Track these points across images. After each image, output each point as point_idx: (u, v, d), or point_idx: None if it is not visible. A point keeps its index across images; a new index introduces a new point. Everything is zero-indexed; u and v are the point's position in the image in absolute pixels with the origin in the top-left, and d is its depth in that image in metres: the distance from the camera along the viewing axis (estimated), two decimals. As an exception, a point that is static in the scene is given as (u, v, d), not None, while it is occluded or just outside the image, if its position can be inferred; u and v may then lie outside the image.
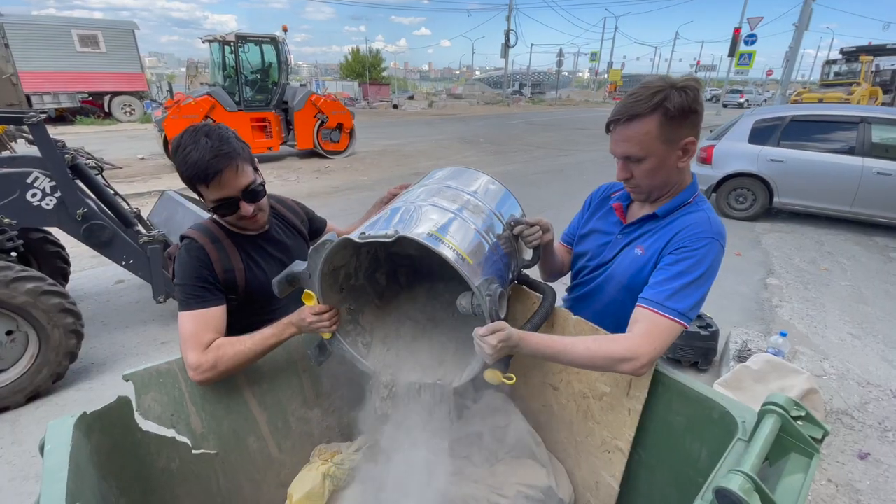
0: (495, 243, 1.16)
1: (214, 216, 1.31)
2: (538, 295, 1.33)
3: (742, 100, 32.48)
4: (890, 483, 2.20)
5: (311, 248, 1.12)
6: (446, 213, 1.08)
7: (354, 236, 1.01)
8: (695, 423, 1.07)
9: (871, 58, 16.71)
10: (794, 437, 0.84)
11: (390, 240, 0.97)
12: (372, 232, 1.00)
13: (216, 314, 1.22)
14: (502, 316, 1.04)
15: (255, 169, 1.28)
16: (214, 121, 8.89)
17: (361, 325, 1.32)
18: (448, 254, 0.96)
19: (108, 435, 1.06)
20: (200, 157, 1.13)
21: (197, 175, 1.16)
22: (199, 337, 1.16)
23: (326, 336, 1.22)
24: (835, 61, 18.36)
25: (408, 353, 1.30)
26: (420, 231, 0.99)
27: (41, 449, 0.93)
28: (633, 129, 1.08)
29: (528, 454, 1.32)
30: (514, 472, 1.29)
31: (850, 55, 17.45)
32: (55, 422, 0.97)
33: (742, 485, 0.68)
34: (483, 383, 1.15)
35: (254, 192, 1.25)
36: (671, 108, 1.03)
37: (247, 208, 1.24)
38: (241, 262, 1.29)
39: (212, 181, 1.16)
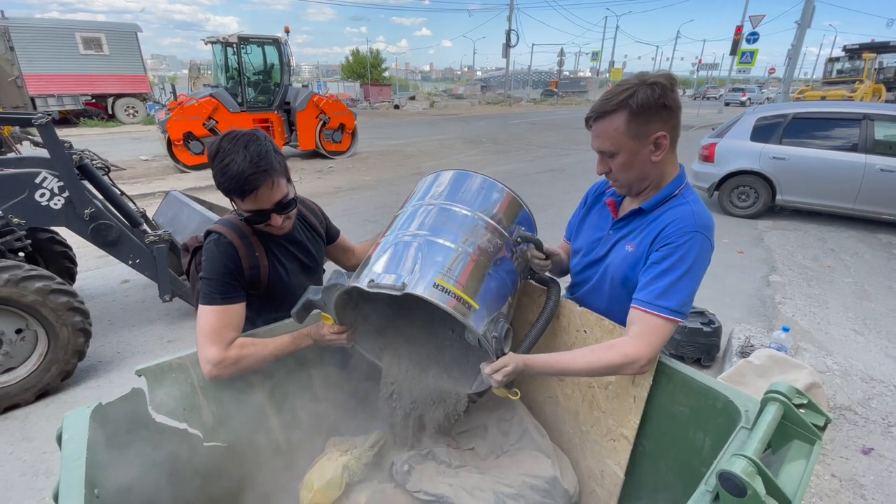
0: (502, 259, 1.19)
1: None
2: (542, 288, 1.36)
3: (744, 98, 32.40)
4: (894, 477, 2.20)
5: (324, 286, 1.18)
6: (449, 250, 1.11)
7: (363, 285, 1.07)
8: (698, 414, 1.09)
9: (875, 55, 16.70)
10: (796, 425, 0.85)
11: (398, 293, 1.02)
12: (380, 281, 1.05)
13: (238, 311, 1.25)
14: (506, 351, 1.09)
15: (288, 180, 1.30)
16: (218, 122, 8.97)
17: (378, 330, 1.36)
18: (454, 308, 1.01)
19: (122, 426, 1.08)
20: (239, 172, 1.15)
21: (233, 189, 1.18)
22: (221, 333, 1.19)
23: (347, 346, 1.29)
24: (838, 59, 18.33)
25: (422, 357, 1.33)
26: (426, 281, 1.03)
27: (58, 439, 0.95)
28: (604, 125, 1.12)
29: (532, 446, 1.34)
30: (518, 463, 1.31)
31: (853, 52, 17.43)
32: (72, 412, 0.99)
33: (745, 468, 0.69)
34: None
35: (285, 206, 1.28)
36: (634, 105, 1.07)
37: (277, 220, 1.27)
38: (267, 260, 1.32)
39: (247, 196, 1.20)
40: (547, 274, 1.40)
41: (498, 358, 1.08)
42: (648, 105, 1.06)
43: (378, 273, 1.08)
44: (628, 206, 1.28)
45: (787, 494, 0.71)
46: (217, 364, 1.16)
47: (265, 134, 1.24)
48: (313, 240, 1.50)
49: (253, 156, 1.16)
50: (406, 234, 1.17)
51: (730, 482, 0.70)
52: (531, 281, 1.42)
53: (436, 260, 1.08)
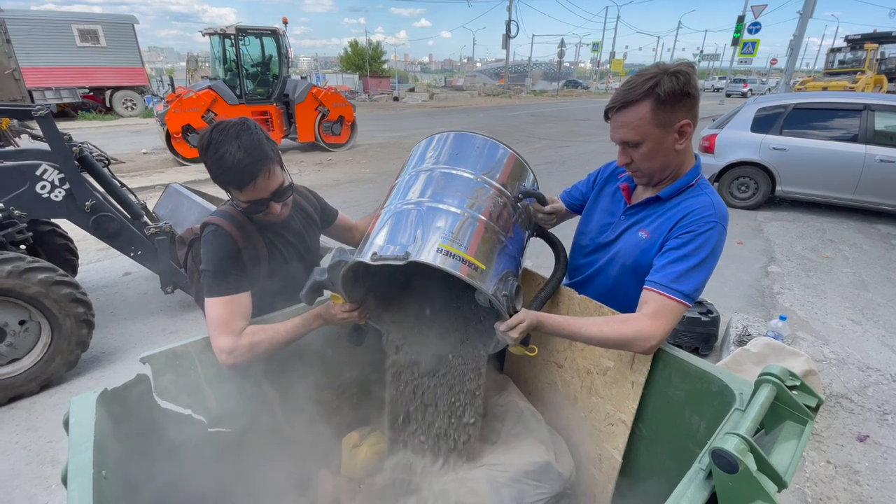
0: (507, 219, 1.17)
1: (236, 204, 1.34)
2: (541, 276, 1.37)
3: (745, 89, 32.19)
4: (888, 464, 2.23)
5: (329, 265, 1.17)
6: (452, 214, 1.10)
7: (366, 258, 1.06)
8: (694, 397, 1.11)
9: (877, 45, 16.57)
10: (788, 406, 0.87)
11: (402, 262, 1.01)
12: (383, 253, 1.04)
13: (244, 300, 1.25)
14: (519, 308, 1.09)
15: (282, 167, 1.30)
16: (216, 114, 8.93)
17: (388, 302, 1.36)
18: (461, 270, 1.01)
19: (128, 411, 1.10)
20: (235, 164, 1.15)
21: (231, 180, 1.19)
22: (231, 323, 1.20)
23: (360, 323, 1.30)
24: (839, 49, 18.20)
25: (434, 324, 1.33)
26: (430, 247, 1.02)
27: (65, 423, 0.97)
28: (628, 115, 1.12)
29: (527, 432, 1.35)
30: (513, 449, 1.32)
31: (855, 43, 17.29)
32: (78, 397, 1.01)
33: (737, 445, 0.71)
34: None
35: (283, 193, 1.28)
36: (662, 93, 1.07)
37: (276, 208, 1.28)
38: (266, 249, 1.33)
39: (246, 187, 1.20)
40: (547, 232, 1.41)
41: (511, 316, 1.09)
42: (674, 93, 1.07)
43: (380, 245, 1.07)
44: (643, 193, 1.29)
45: (777, 471, 0.72)
46: (231, 353, 1.17)
47: (254, 122, 1.24)
48: (308, 227, 1.51)
49: (247, 145, 1.16)
50: (406, 202, 1.16)
51: (722, 459, 0.71)
52: (529, 268, 1.43)
53: (438, 225, 1.07)
